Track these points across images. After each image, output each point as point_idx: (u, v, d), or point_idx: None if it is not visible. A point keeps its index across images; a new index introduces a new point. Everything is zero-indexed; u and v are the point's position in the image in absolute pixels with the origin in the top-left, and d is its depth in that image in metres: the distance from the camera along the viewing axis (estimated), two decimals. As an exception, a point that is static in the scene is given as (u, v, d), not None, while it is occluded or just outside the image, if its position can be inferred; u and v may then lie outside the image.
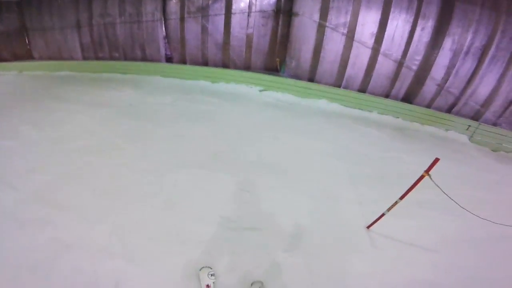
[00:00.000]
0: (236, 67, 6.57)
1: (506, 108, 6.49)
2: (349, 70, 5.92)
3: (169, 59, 7.53)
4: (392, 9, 5.36)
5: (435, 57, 5.90)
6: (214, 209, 2.70)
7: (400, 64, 5.89)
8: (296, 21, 5.68)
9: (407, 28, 5.55)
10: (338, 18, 5.55)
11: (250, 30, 6.06)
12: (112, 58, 7.62)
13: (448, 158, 4.60)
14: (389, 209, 2.25)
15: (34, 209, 2.52)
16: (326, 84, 6.15)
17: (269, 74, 6.29)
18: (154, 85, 6.70)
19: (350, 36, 5.65)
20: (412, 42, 5.70)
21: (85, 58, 8.11)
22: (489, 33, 5.82)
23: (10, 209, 2.52)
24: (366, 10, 5.51)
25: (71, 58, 8.33)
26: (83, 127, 4.24)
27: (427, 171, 1.98)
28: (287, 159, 3.80)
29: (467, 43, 5.84)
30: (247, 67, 6.52)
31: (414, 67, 5.96)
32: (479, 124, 6.25)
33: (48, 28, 8.07)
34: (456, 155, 5.04)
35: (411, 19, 5.45)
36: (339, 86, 6.14)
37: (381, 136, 5.16)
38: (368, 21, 5.56)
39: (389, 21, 5.46)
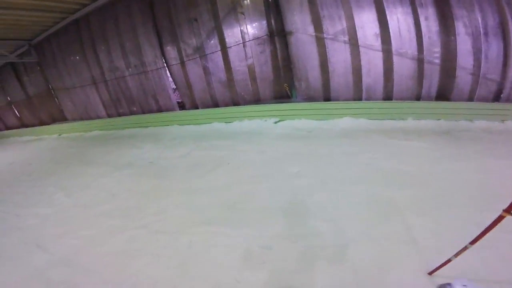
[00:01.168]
0: (246, 102, 6.51)
1: None
2: (365, 79, 5.55)
3: (182, 106, 7.79)
4: (384, 4, 5.18)
5: (455, 45, 5.42)
6: (230, 272, 2.50)
7: (419, 60, 5.50)
8: (292, 39, 5.67)
9: (410, 20, 5.46)
10: (334, 26, 5.52)
11: (250, 61, 6.08)
12: (131, 112, 8.20)
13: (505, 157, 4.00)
14: (457, 255, 1.82)
15: (63, 271, 2.84)
16: (345, 100, 5.80)
17: (281, 102, 6.02)
18: (171, 135, 7.02)
19: (353, 43, 5.45)
20: (423, 34, 5.45)
21: (108, 115, 8.82)
22: (497, 9, 5.27)
23: (41, 271, 2.88)
24: (359, 11, 5.50)
25: (97, 116, 9.10)
26: (107, 191, 4.62)
27: (508, 210, 1.48)
28: (312, 199, 3.41)
29: (480, 24, 5.30)
30: (257, 100, 6.40)
31: (437, 60, 5.50)
32: None
33: (71, 87, 8.87)
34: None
35: (409, 10, 5.39)
36: (360, 99, 5.66)
37: (424, 145, 4.57)
38: (366, 22, 5.57)
39: (387, 17, 5.33)
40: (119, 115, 8.21)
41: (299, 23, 5.72)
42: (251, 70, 6.22)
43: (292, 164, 4.37)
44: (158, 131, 7.46)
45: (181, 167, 5.04)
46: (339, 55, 5.67)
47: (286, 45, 5.89)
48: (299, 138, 5.46)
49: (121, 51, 7.26)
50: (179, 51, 6.59)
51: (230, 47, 6.14)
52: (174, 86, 7.57)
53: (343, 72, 5.76)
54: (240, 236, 2.91)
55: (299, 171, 4.12)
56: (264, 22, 5.96)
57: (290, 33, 5.72)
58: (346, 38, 5.53)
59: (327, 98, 6.03)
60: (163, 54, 6.84)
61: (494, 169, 3.61)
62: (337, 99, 5.95)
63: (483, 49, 5.49)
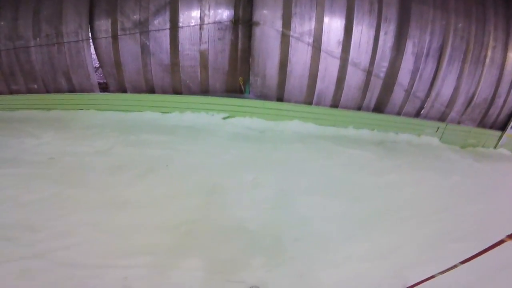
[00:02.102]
0: (191, 91, 5.69)
1: (467, 106, 6.78)
2: (319, 85, 5.54)
3: (104, 88, 6.18)
4: (355, 13, 5.24)
5: (400, 62, 5.84)
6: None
7: (369, 73, 5.73)
8: (257, 31, 5.13)
9: (372, 33, 5.51)
10: (302, 26, 5.19)
11: (204, 46, 5.27)
12: (29, 91, 5.98)
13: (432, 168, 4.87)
14: (443, 272, 1.83)
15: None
16: (296, 102, 5.71)
17: (232, 97, 5.55)
18: (85, 123, 5.32)
19: (316, 46, 5.26)
20: (378, 48, 5.66)
21: (-5, 91, 6.29)
22: (443, 33, 5.93)
23: None
24: (330, 16, 5.37)
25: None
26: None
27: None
28: (274, 215, 3.11)
29: (426, 45, 5.93)
30: (205, 91, 5.66)
31: (382, 75, 5.86)
32: (447, 124, 6.63)
33: None
34: (439, 163, 5.28)
35: (374, 23, 5.51)
36: (310, 103, 5.65)
37: (366, 155, 4.98)
38: (333, 28, 5.45)
39: (354, 26, 5.36)
40: (12, 93, 6.20)
41: (269, 15, 5.16)
42: (203, 56, 5.37)
43: (247, 170, 3.99)
44: (67, 115, 5.63)
45: (98, 168, 3.70)
46: (300, 57, 5.41)
47: (249, 36, 5.26)
48: (251, 139, 5.12)
49: (32, 19, 5.32)
50: (114, 23, 5.14)
51: (182, 27, 5.13)
52: (97, 64, 6.07)
53: (300, 74, 5.54)
54: (194, 270, 2.28)
55: (255, 178, 3.80)
56: (231, 6, 5.19)
57: (257, 24, 5.12)
58: (311, 40, 5.27)
59: (280, 98, 5.76)
60: (91, 25, 5.31)
61: (422, 181, 4.24)
62: (289, 101, 5.76)
63: (420, 69, 6.08)
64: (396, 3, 5.51)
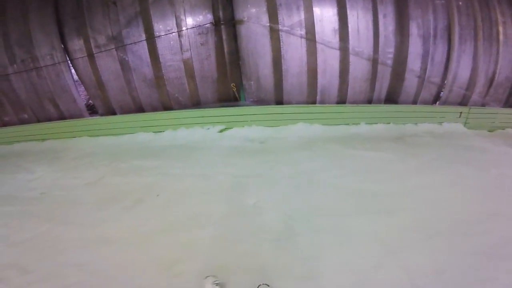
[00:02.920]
0: (181, 106, 5.20)
1: (489, 87, 6.04)
2: (321, 80, 4.94)
3: (93, 111, 5.75)
4: None
5: (407, 47, 5.27)
6: None
7: (374, 61, 5.12)
8: (242, 30, 4.61)
9: (369, 17, 4.98)
10: (291, 17, 4.68)
11: (186, 54, 4.80)
12: (22, 121, 5.69)
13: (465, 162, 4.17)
14: None
15: None
16: (298, 103, 5.09)
17: (227, 106, 4.96)
18: (77, 152, 5.00)
19: (310, 38, 4.71)
20: (380, 33, 5.12)
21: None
22: (447, 11, 5.32)
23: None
24: (319, 2, 4.78)
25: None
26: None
27: None
28: (278, 250, 2.54)
29: (432, 26, 5.35)
30: (196, 103, 5.18)
31: (390, 62, 5.25)
32: (470, 108, 5.93)
33: None
34: (471, 154, 4.53)
35: (370, 6, 4.96)
36: (314, 103, 5.06)
37: (384, 157, 4.25)
38: (326, 16, 4.91)
39: (348, 11, 4.85)
40: (4, 124, 5.82)
41: (252, 10, 4.64)
42: (188, 65, 4.84)
43: (246, 193, 3.35)
44: (60, 145, 5.37)
45: (86, 201, 3.50)
46: (294, 52, 4.82)
47: (234, 37, 4.72)
48: (251, 152, 4.46)
49: (3, 44, 5.02)
50: (87, 41, 4.71)
51: (159, 36, 4.65)
52: (79, 86, 5.66)
53: (298, 71, 4.94)
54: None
55: (257, 202, 3.15)
56: (209, 7, 4.67)
57: (241, 21, 4.58)
58: (303, 32, 4.70)
59: (279, 101, 5.18)
60: (64, 45, 4.87)
61: (457, 180, 3.53)
62: (289, 103, 5.15)
63: (430, 52, 5.45)
64: None
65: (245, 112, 5.04)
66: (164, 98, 5.25)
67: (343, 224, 2.73)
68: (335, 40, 4.87)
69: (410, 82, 5.53)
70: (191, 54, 4.85)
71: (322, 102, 5.24)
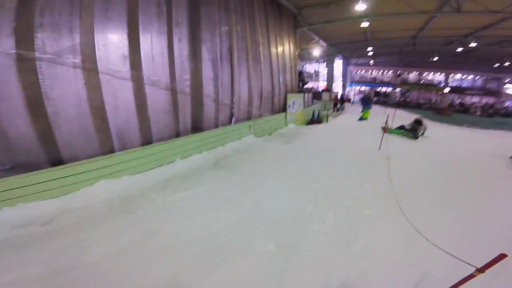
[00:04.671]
0: None
1: (261, 100, 7.25)
2: (114, 121, 3.75)
3: None
4: (140, 17, 3.69)
5: (201, 71, 5.14)
6: None
7: (173, 90, 4.53)
8: None
9: (164, 41, 4.29)
10: (58, 41, 3.08)
11: None
12: None
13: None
14: None
15: None
16: (89, 156, 3.57)
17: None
18: None
19: (90, 67, 3.37)
20: (175, 59, 4.50)
21: None
22: (229, 35, 5.78)
23: None
24: (104, 22, 3.52)
25: None
26: None
27: (482, 270, 1.48)
28: None
29: (218, 49, 5.54)
30: None
31: (188, 89, 4.95)
32: (254, 120, 6.94)
33: None
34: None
35: (165, 29, 4.21)
36: (112, 151, 3.80)
37: (211, 188, 3.94)
38: (112, 39, 3.54)
39: (140, 34, 3.79)
40: None
41: None
42: None
43: None
44: None
45: None
46: (65, 87, 3.18)
47: None
48: (30, 246, 2.50)
49: None
50: None
51: None
52: None
53: (76, 113, 3.35)
54: None
55: None
56: None
57: None
58: (78, 60, 3.18)
59: (57, 160, 3.36)
60: None
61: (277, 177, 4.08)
62: (75, 159, 3.48)
63: (220, 76, 5.60)
64: (186, 4, 4.58)
65: (5, 187, 2.84)
66: None
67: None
68: (125, 69, 3.73)
69: (209, 107, 5.44)
70: None
71: (123, 147, 4.00)
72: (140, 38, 3.86)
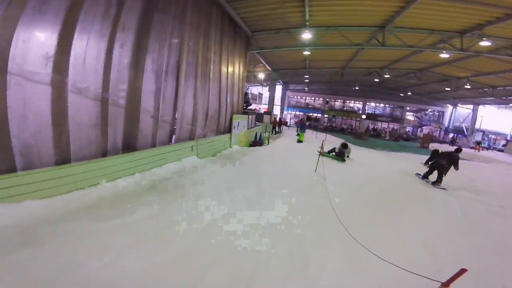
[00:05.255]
0: None
1: (206, 120, 6.93)
2: (18, 134, 3.02)
3: None
4: (81, 16, 3.09)
5: (141, 83, 4.62)
6: None
7: (103, 100, 3.91)
8: None
9: (103, 45, 3.68)
10: None
11: None
12: None
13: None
14: None
15: None
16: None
17: None
18: None
19: (-4, 66, 2.63)
20: (112, 65, 3.95)
21: None
22: (179, 48, 5.40)
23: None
24: (33, 15, 2.90)
25: None
26: None
27: (447, 285, 1.61)
28: None
29: (165, 61, 5.12)
30: None
31: (122, 102, 4.33)
32: (197, 141, 6.49)
33: None
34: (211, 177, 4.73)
35: (108, 31, 3.65)
36: (14, 170, 3.03)
37: (146, 215, 3.35)
38: (37, 36, 2.87)
39: (75, 34, 3.16)
40: None
41: None
42: None
43: None
44: None
45: None
46: None
47: None
48: None
49: None
50: None
51: None
52: None
53: None
54: None
55: None
56: None
57: None
58: None
59: None
60: None
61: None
62: None
63: (162, 90, 5.03)
64: (139, 9, 4.08)
65: None
66: None
67: None
68: (45, 71, 2.99)
69: (146, 124, 4.81)
70: None
71: (29, 166, 3.15)
72: (74, 38, 3.21)
